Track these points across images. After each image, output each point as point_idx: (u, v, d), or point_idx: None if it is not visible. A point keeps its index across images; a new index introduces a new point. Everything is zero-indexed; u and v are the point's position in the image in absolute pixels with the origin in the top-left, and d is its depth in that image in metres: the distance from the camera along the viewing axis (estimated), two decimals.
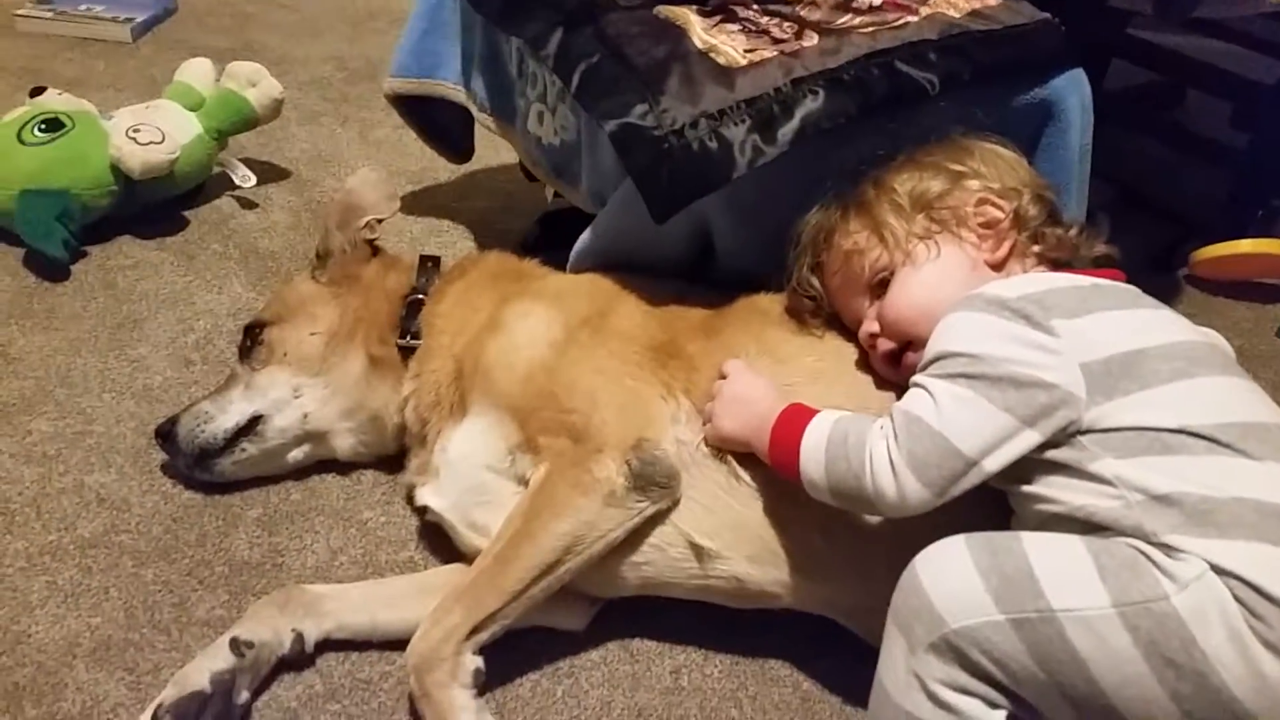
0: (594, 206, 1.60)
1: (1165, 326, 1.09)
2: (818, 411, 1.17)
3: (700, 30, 1.41)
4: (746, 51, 1.37)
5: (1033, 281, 1.13)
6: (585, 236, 1.52)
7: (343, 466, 1.56)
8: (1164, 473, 0.97)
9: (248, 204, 2.19)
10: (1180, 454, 0.98)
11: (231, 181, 2.18)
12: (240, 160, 2.22)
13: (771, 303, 1.41)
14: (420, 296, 1.54)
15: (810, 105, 1.31)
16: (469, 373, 1.39)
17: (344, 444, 1.53)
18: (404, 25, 1.95)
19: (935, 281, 1.21)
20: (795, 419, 1.17)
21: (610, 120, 1.34)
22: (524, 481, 1.31)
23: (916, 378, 1.10)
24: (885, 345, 1.24)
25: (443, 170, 2.37)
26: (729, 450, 1.27)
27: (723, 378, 1.28)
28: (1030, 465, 1.04)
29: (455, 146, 2.13)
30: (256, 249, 2.06)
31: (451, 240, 2.16)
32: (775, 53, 1.36)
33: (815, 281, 1.33)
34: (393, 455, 1.55)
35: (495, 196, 2.32)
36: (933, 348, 1.09)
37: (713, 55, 1.37)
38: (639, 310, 1.43)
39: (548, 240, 2.07)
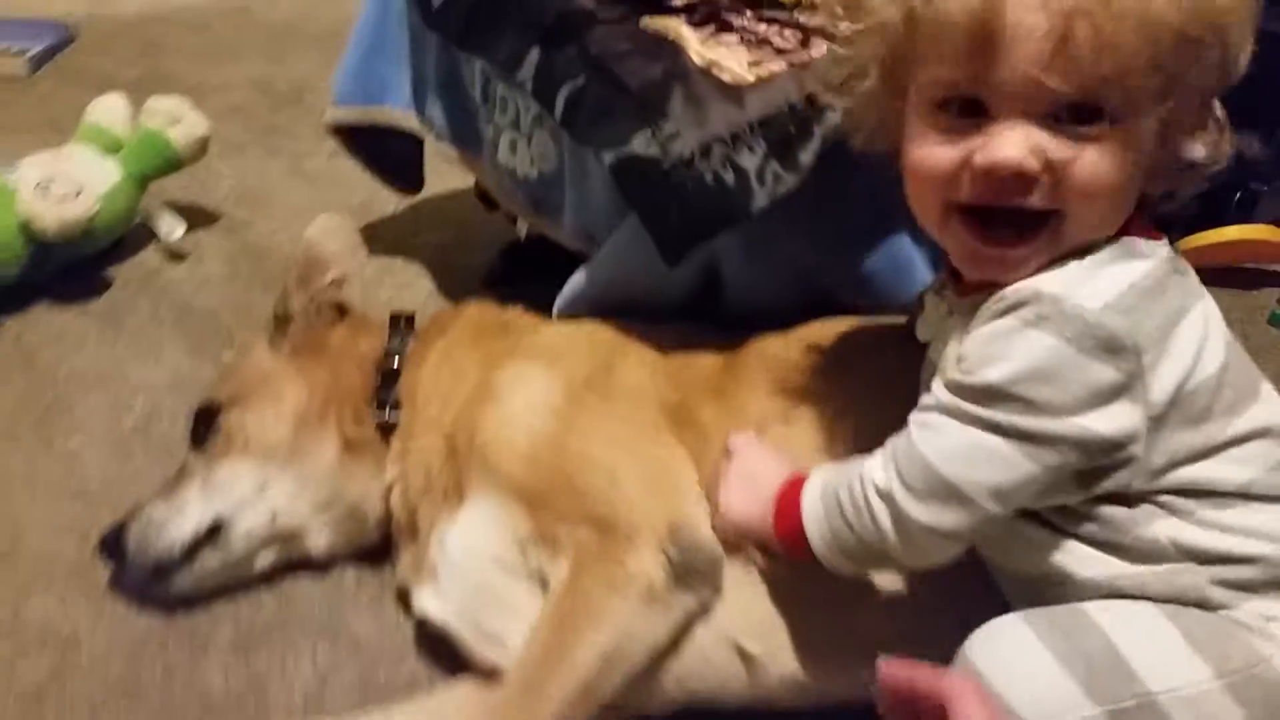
0: (580, 244, 1.43)
1: (1216, 329, 0.92)
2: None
3: (696, 44, 1.24)
4: (751, 65, 1.21)
5: (1122, 275, 0.85)
6: (578, 281, 1.35)
7: (319, 565, 1.36)
8: (1230, 530, 0.87)
9: (176, 256, 1.97)
10: (1240, 506, 0.88)
11: (153, 232, 1.96)
12: (164, 206, 2.00)
13: (783, 346, 1.25)
14: (396, 361, 1.35)
15: (830, 121, 1.15)
16: (463, 451, 1.21)
17: (319, 541, 1.33)
18: (329, 41, 1.77)
19: (1134, 168, 0.84)
20: (793, 490, 1.01)
21: (607, 150, 1.17)
22: (541, 580, 1.13)
23: (941, 398, 0.88)
24: (1037, 201, 0.83)
25: (388, 201, 2.17)
26: (743, 541, 1.11)
27: (729, 454, 1.13)
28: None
29: (405, 178, 1.94)
30: (192, 307, 1.84)
31: (406, 280, 1.96)
32: (783, 65, 1.20)
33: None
34: (376, 546, 1.36)
35: (450, 228, 2.12)
36: (981, 369, 0.85)
37: (715, 71, 1.20)
38: (646, 363, 1.26)
39: (512, 274, 1.91)
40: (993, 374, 0.84)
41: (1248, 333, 1.95)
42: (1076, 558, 0.91)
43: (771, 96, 1.16)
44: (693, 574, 1.08)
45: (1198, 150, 0.88)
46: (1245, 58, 0.84)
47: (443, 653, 1.24)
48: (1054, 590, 0.92)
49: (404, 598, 1.30)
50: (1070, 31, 0.76)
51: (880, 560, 0.95)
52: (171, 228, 1.92)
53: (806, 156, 1.14)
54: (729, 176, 1.13)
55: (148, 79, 2.65)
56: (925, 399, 0.91)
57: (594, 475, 1.12)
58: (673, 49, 1.23)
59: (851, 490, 0.92)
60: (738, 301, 1.31)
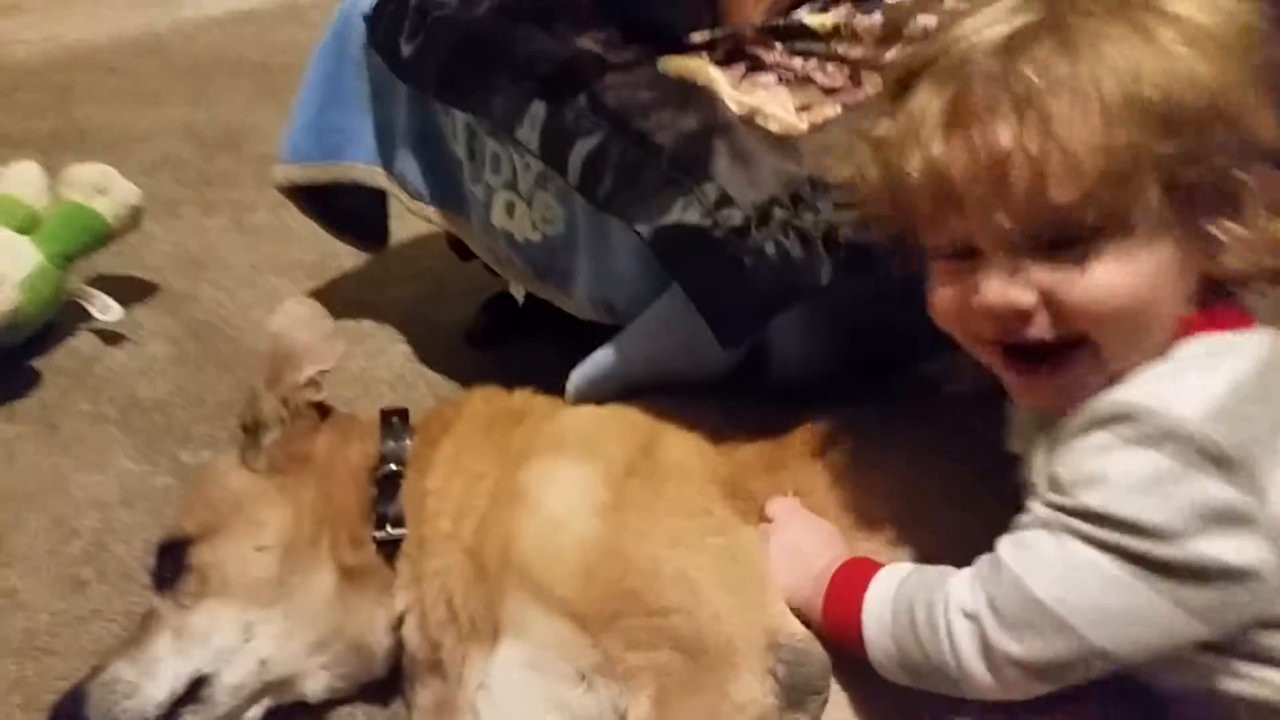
0: (595, 314, 1.25)
1: None
2: (880, 567, 0.90)
3: (729, 88, 1.08)
4: (800, 110, 1.05)
5: (1216, 378, 0.77)
6: (604, 359, 1.18)
7: (312, 709, 1.17)
8: None
9: (112, 338, 1.74)
10: None
11: (83, 310, 1.73)
12: (92, 284, 1.77)
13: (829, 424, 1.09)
14: (394, 468, 1.16)
15: None
16: (495, 571, 1.03)
17: (316, 685, 1.14)
18: (258, 75, 1.58)
19: (1150, 276, 0.78)
20: (854, 578, 0.90)
21: (643, 223, 1.00)
22: (614, 718, 0.96)
23: (1039, 513, 0.80)
24: (1039, 333, 0.79)
25: (345, 256, 1.96)
26: None
27: (768, 520, 1.01)
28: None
29: (367, 234, 1.75)
30: (137, 400, 1.62)
31: (378, 345, 1.76)
32: (837, 108, 1.04)
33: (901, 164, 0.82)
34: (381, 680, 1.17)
35: (419, 281, 1.93)
36: (1080, 493, 0.77)
37: (760, 120, 1.04)
38: (689, 441, 1.11)
39: (498, 331, 1.73)
40: (1093, 499, 0.76)
41: None
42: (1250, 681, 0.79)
43: (830, 146, 0.99)
44: (805, 690, 0.92)
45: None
46: (1263, 122, 0.75)
47: None
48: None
49: None
50: (1009, 172, 0.74)
51: (949, 686, 0.83)
52: (105, 309, 1.70)
53: None
54: (793, 245, 0.96)
55: (62, 132, 2.41)
56: (1020, 518, 0.82)
57: (665, 585, 0.95)
58: (705, 96, 1.06)
59: (931, 609, 0.83)
60: (783, 374, 1.15)
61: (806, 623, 0.94)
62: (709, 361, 1.11)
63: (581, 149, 1.06)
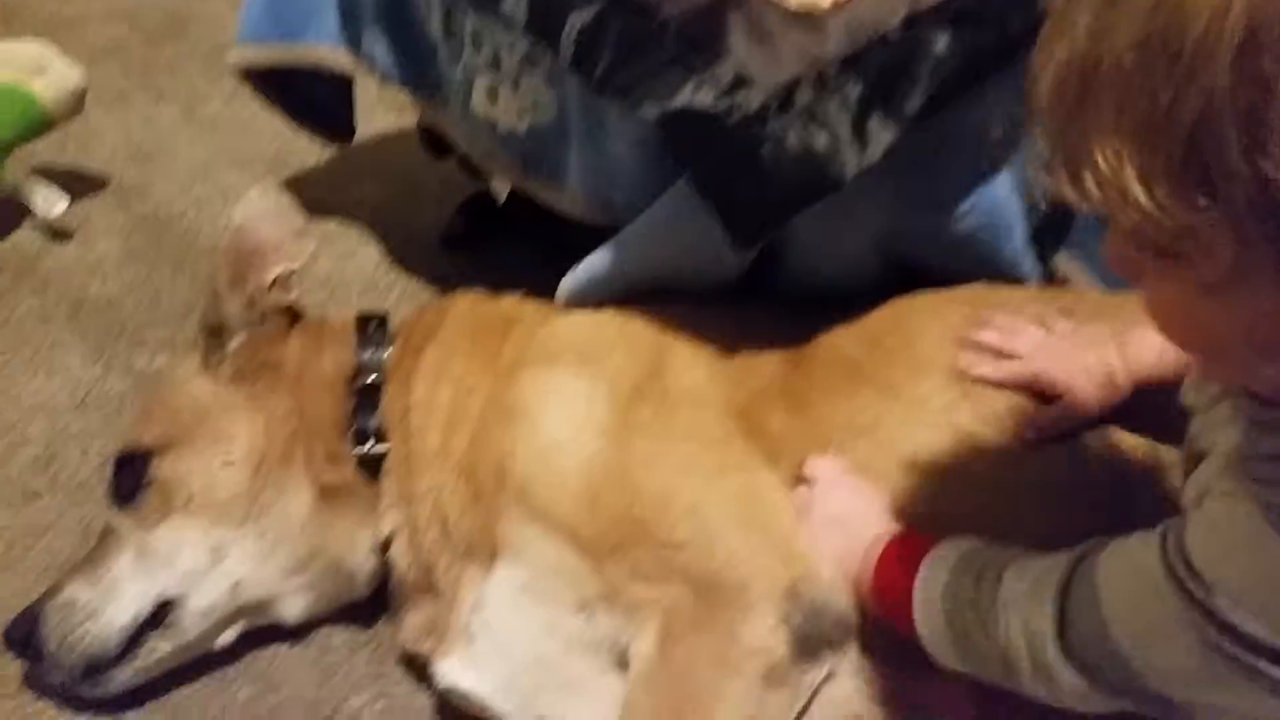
0: (588, 212, 1.16)
1: None
2: (931, 545, 0.81)
3: None
4: None
5: None
6: (599, 261, 1.08)
7: (289, 630, 1.10)
8: None
9: (60, 234, 1.62)
10: None
11: (24, 204, 1.60)
12: (36, 175, 1.64)
13: (855, 345, 1.01)
14: (373, 378, 1.07)
15: (938, 52, 0.90)
16: (490, 489, 0.96)
17: (294, 607, 1.08)
18: None
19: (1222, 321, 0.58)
20: (905, 555, 0.82)
21: (649, 104, 0.90)
22: (613, 650, 0.90)
23: (1175, 569, 0.63)
24: None
25: (308, 150, 1.83)
26: None
27: (805, 481, 0.91)
28: None
29: (332, 124, 1.62)
30: (87, 299, 1.51)
31: (346, 248, 1.65)
32: None
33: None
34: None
35: (389, 179, 1.80)
36: (1222, 596, 0.61)
37: None
38: (701, 360, 1.03)
39: (474, 233, 1.62)
40: (1250, 625, 0.60)
41: None
42: None
43: (859, 24, 0.90)
44: (820, 641, 0.86)
45: None
46: None
47: None
48: None
49: (413, 665, 1.05)
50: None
51: (999, 676, 0.75)
52: (50, 202, 1.57)
53: (913, 103, 0.89)
54: (818, 136, 0.87)
55: None
56: (1160, 537, 0.66)
57: (678, 518, 0.89)
58: None
59: (986, 610, 0.74)
60: (802, 277, 1.07)
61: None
62: (717, 265, 1.03)
63: (575, 22, 0.96)
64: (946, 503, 0.88)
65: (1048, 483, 0.88)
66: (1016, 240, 1.06)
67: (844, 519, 0.87)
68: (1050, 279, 1.17)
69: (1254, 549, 0.59)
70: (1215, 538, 0.62)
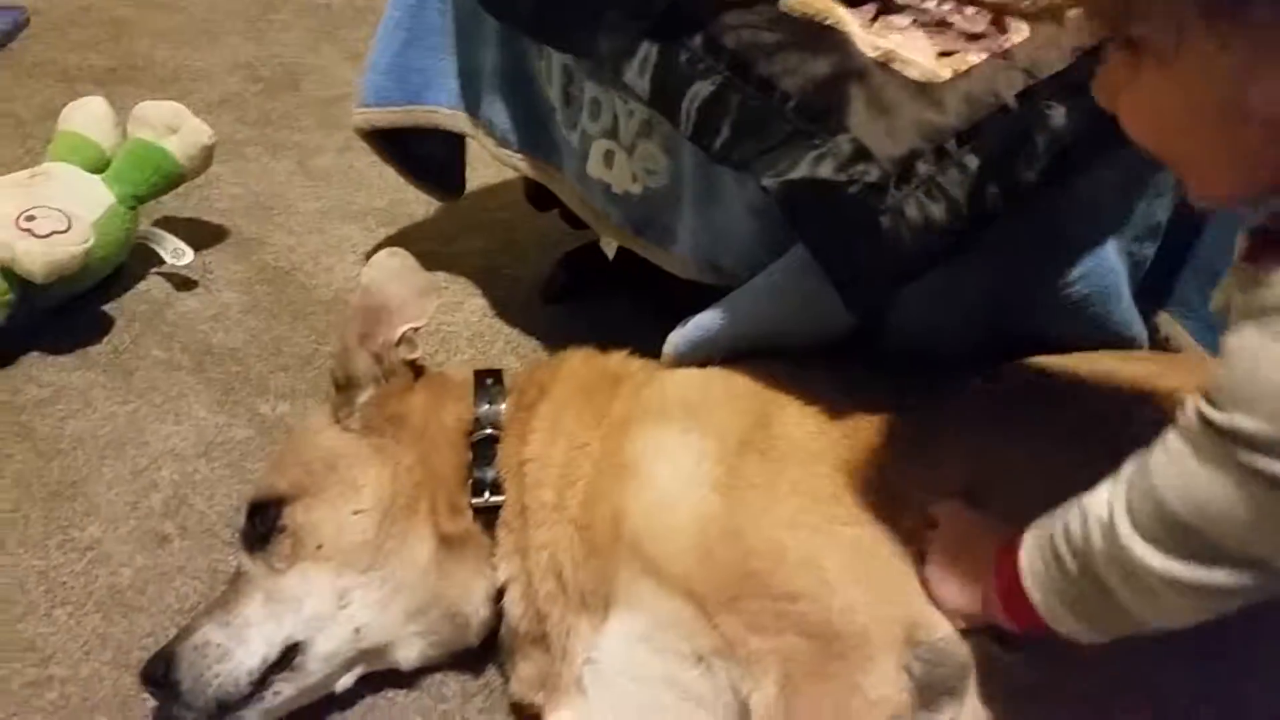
0: (698, 273, 1.19)
1: None
2: None
3: (860, 30, 0.99)
4: (941, 56, 0.96)
5: None
6: (709, 321, 1.11)
7: (405, 677, 1.14)
8: None
9: (184, 284, 1.70)
10: None
11: (153, 254, 1.69)
12: (160, 225, 1.73)
13: (988, 394, 1.02)
14: (490, 431, 1.11)
15: (1055, 125, 0.91)
16: (605, 545, 0.99)
17: (410, 653, 1.11)
18: (318, 11, 1.49)
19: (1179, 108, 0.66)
20: (1011, 549, 0.80)
21: (768, 177, 0.93)
22: (729, 703, 0.92)
23: (1189, 416, 0.67)
24: None
25: (416, 202, 1.90)
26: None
27: (932, 526, 0.92)
28: None
29: (444, 182, 1.68)
30: (211, 348, 1.58)
31: (453, 299, 1.70)
32: (983, 54, 0.96)
33: None
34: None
35: (493, 232, 1.86)
36: (1233, 408, 0.64)
37: (898, 66, 0.95)
38: (809, 414, 1.03)
39: (575, 286, 1.67)
40: (1247, 423, 0.63)
41: None
42: None
43: (977, 95, 0.92)
44: (941, 689, 0.86)
45: None
46: None
47: None
48: None
49: (523, 715, 1.08)
50: None
51: (1120, 617, 0.73)
52: (178, 253, 1.65)
53: (1030, 174, 0.90)
54: (936, 206, 0.89)
55: (119, 68, 2.35)
56: (1179, 415, 0.69)
57: (793, 572, 0.90)
58: (835, 38, 0.98)
59: (1069, 530, 0.74)
60: (905, 341, 1.08)
61: (998, 634, 0.86)
62: (824, 328, 1.05)
63: (696, 94, 0.99)
64: None
65: None
66: (1126, 305, 1.07)
67: (965, 545, 0.86)
68: (1154, 341, 1.18)
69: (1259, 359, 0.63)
70: (1232, 365, 0.64)
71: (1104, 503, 0.71)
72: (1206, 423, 0.65)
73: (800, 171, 0.91)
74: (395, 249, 1.17)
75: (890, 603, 0.88)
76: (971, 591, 0.85)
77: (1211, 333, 1.18)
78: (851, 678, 0.84)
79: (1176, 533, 0.66)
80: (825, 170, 0.90)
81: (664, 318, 1.18)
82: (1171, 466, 0.67)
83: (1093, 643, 0.77)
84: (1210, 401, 0.65)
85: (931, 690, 0.85)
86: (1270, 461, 0.62)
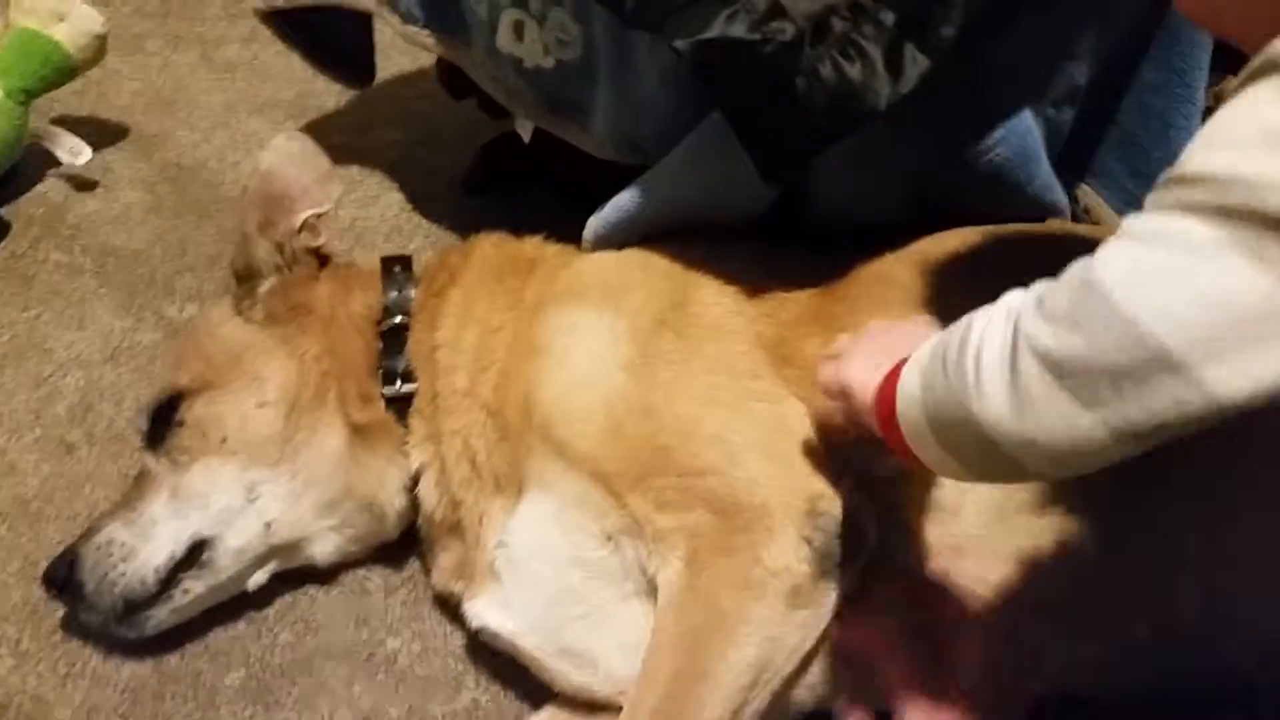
0: (615, 152, 1.14)
1: None
2: None
3: None
4: None
5: None
6: (626, 201, 1.07)
7: (323, 574, 1.11)
8: None
9: (84, 184, 1.61)
10: None
11: (49, 153, 1.59)
12: (56, 124, 1.64)
13: (906, 266, 1.00)
14: (400, 319, 1.07)
15: None
16: (517, 427, 0.96)
17: (325, 548, 1.09)
18: None
19: None
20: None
21: (679, 38, 0.88)
22: (639, 580, 0.91)
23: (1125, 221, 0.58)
24: None
25: (327, 93, 1.82)
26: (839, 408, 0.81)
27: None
28: None
29: (353, 67, 1.59)
30: (114, 249, 1.51)
31: (369, 193, 1.64)
32: None
33: None
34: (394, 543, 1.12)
35: (409, 123, 1.79)
36: (1179, 166, 0.57)
37: None
38: (728, 293, 1.02)
39: (496, 176, 1.61)
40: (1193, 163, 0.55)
41: None
42: None
43: None
44: (839, 560, 0.86)
45: None
46: None
47: (507, 671, 1.02)
48: None
49: (448, 606, 1.06)
50: None
51: (967, 429, 0.62)
52: (74, 151, 1.56)
53: (948, 30, 0.87)
54: (852, 65, 0.85)
55: None
56: None
57: (701, 445, 0.89)
58: None
59: (968, 328, 0.64)
60: (830, 215, 1.05)
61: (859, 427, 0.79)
62: (745, 202, 1.02)
63: None
64: None
65: None
66: (1044, 170, 1.05)
67: (891, 348, 0.74)
68: (1075, 214, 1.17)
69: None
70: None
71: (1016, 294, 0.63)
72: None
73: (713, 31, 0.87)
74: (294, 132, 1.11)
75: (794, 476, 0.87)
76: (865, 377, 0.75)
77: (1132, 204, 1.17)
78: (753, 550, 0.84)
79: (1085, 308, 0.56)
80: (739, 29, 0.86)
81: (588, 204, 1.14)
82: (1107, 260, 0.57)
83: (956, 479, 0.72)
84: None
85: (830, 559, 0.85)
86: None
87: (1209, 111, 0.59)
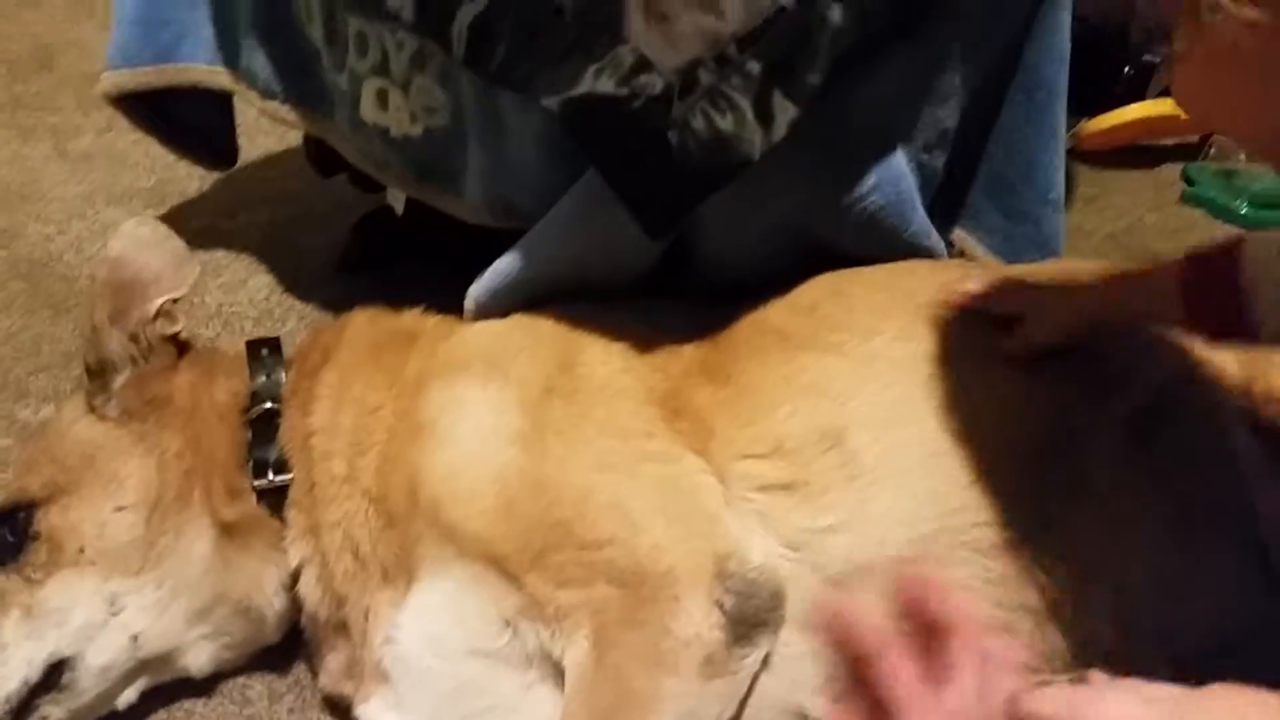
0: (490, 218, 1.11)
1: None
2: None
3: None
4: None
5: None
6: (507, 267, 1.04)
7: (201, 685, 1.03)
8: None
9: None
10: None
11: None
12: None
13: (787, 316, 0.99)
14: (269, 405, 1.01)
15: (834, 23, 0.88)
16: (403, 515, 0.91)
17: (200, 658, 1.01)
18: None
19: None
20: None
21: (549, 95, 0.86)
22: (545, 663, 0.86)
23: None
24: None
25: (190, 178, 1.76)
26: None
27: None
28: None
29: (213, 148, 1.54)
30: None
31: (236, 277, 1.57)
32: None
33: None
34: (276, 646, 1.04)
35: (277, 204, 1.73)
36: None
37: None
38: (614, 351, 0.98)
39: (372, 253, 1.56)
40: None
41: (1164, 212, 1.82)
42: None
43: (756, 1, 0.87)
44: (754, 623, 0.83)
45: None
46: None
47: None
48: None
49: (338, 710, 0.99)
50: None
51: None
52: None
53: (813, 78, 0.86)
54: (724, 118, 0.84)
55: None
56: None
57: (598, 515, 0.85)
58: None
59: None
60: (713, 270, 1.04)
61: None
62: (628, 260, 1.00)
63: (466, 15, 0.91)
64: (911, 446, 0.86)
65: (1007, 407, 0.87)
66: (919, 216, 1.06)
67: None
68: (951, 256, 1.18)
69: None
70: None
71: None
72: None
73: (581, 88, 0.86)
74: (144, 216, 1.05)
75: (699, 537, 0.84)
76: None
77: (1007, 243, 1.19)
78: (661, 621, 0.80)
79: None
80: (606, 85, 0.85)
81: (468, 275, 1.10)
82: None
83: None
84: None
85: (745, 624, 0.82)
86: None
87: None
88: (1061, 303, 0.90)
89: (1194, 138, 1.88)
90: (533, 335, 1.01)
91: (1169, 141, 1.89)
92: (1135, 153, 1.95)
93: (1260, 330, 0.77)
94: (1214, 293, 0.79)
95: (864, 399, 0.89)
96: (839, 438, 0.87)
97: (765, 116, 0.86)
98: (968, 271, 1.02)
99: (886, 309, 0.95)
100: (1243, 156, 1.74)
